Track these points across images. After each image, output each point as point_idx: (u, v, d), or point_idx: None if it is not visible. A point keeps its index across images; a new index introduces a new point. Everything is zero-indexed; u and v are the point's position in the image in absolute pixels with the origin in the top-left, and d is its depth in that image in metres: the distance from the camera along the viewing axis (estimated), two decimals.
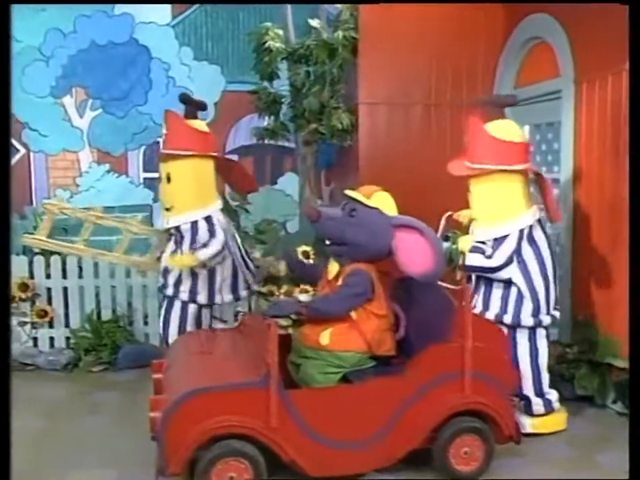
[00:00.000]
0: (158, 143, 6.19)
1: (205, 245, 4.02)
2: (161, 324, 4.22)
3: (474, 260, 3.72)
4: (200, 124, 4.15)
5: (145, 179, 6.24)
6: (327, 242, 3.43)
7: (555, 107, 4.60)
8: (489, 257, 3.70)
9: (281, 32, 5.28)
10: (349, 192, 3.45)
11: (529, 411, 3.69)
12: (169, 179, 4.06)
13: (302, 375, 3.25)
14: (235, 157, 6.44)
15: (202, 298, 4.15)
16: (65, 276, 5.08)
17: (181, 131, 4.05)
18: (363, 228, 3.24)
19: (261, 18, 6.07)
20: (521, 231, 3.68)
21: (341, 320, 3.26)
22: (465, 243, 3.79)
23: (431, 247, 3.13)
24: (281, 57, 5.26)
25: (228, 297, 4.28)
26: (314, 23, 5.18)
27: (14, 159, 5.86)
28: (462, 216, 4.11)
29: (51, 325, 5.07)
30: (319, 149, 5.57)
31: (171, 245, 4.19)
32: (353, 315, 3.25)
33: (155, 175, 6.22)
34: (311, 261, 5.18)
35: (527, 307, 3.68)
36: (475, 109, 3.93)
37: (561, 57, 4.45)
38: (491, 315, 3.72)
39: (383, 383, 3.06)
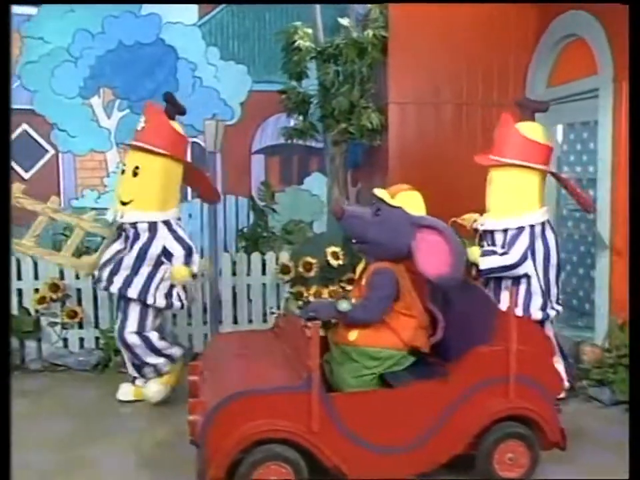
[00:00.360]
0: None
1: (189, 255, 4.04)
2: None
3: (490, 262, 3.90)
4: (178, 126, 4.12)
5: None
6: (353, 240, 3.42)
7: (591, 105, 4.53)
8: (503, 254, 3.89)
9: (310, 31, 5.24)
10: (376, 191, 3.42)
11: None
12: (135, 173, 3.98)
13: (335, 379, 3.22)
14: (261, 157, 6.46)
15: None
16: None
17: (162, 128, 4.01)
18: (385, 227, 3.21)
19: (287, 17, 6.04)
20: (533, 227, 3.89)
21: None
22: (474, 253, 3.93)
23: (450, 249, 3.07)
24: (310, 56, 5.22)
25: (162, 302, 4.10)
26: (344, 21, 5.14)
27: (43, 160, 5.88)
28: (466, 220, 4.26)
29: (80, 326, 5.07)
30: (348, 149, 5.52)
31: (120, 242, 4.12)
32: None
33: None
34: (340, 262, 5.16)
35: (537, 301, 3.91)
36: (508, 108, 4.12)
37: (599, 54, 4.37)
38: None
39: (425, 387, 3.00)
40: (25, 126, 5.82)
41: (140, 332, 4.06)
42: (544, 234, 3.92)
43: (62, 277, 5.00)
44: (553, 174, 4.07)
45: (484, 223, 4.07)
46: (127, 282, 3.99)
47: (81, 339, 5.08)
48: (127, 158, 4.15)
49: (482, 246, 4.10)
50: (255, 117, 6.30)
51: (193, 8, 6.12)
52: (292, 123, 5.76)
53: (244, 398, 2.78)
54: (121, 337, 4.07)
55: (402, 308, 3.18)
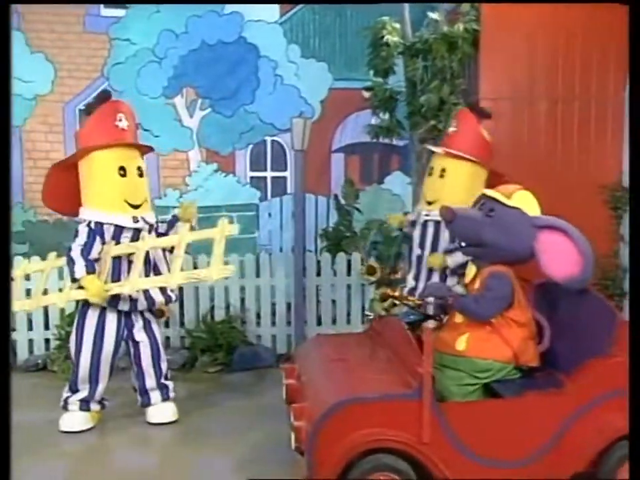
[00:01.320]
0: (265, 141, 6.18)
1: None
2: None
3: (459, 258, 3.89)
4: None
5: (251, 178, 6.21)
6: (463, 243, 3.28)
7: None
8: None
9: (398, 26, 5.10)
10: (487, 191, 3.27)
11: None
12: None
13: (437, 386, 3.09)
14: (340, 156, 6.37)
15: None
16: None
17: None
18: (502, 229, 3.07)
19: (370, 13, 5.92)
20: None
21: (479, 326, 3.10)
22: (435, 259, 4.00)
23: (578, 249, 2.94)
24: (397, 52, 5.08)
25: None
26: (434, 15, 4.98)
27: None
28: (392, 218, 4.42)
29: (166, 325, 5.09)
30: None
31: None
32: (493, 320, 3.08)
33: (263, 174, 6.26)
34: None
35: None
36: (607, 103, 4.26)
37: None
38: None
39: (540, 399, 2.84)
40: None
41: None
42: None
43: None
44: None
45: (429, 213, 4.03)
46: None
47: (167, 338, 5.11)
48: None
49: (408, 239, 4.21)
50: (335, 114, 6.21)
51: (275, 6, 6.08)
52: (373, 120, 5.64)
53: (353, 405, 2.69)
54: None
55: (515, 315, 3.04)
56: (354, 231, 5.62)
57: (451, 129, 4.10)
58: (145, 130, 5.94)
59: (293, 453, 2.86)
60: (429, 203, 4.06)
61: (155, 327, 3.96)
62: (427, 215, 4.06)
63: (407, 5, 5.22)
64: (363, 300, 5.21)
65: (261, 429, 3.82)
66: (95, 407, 3.86)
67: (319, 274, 5.21)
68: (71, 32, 5.76)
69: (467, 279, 3.35)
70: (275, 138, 6.18)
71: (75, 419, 3.78)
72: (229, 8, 5.96)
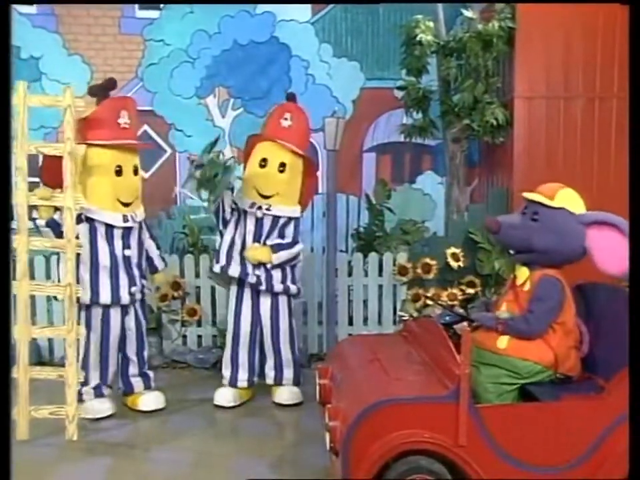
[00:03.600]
0: None
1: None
2: None
3: (284, 256, 4.09)
4: None
5: None
6: (512, 251, 3.25)
7: None
8: (294, 243, 4.16)
9: (431, 24, 5.07)
10: (528, 194, 3.21)
11: None
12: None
13: (472, 383, 3.05)
14: (372, 155, 6.34)
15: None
16: None
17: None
18: (551, 232, 3.02)
19: (402, 12, 5.90)
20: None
21: None
22: (262, 254, 4.04)
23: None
24: (431, 51, 5.04)
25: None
26: (468, 13, 4.93)
27: (161, 160, 6.02)
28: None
29: (199, 324, 5.13)
30: (468, 147, 5.31)
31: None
32: None
33: None
34: (460, 264, 4.96)
35: None
36: None
37: None
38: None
39: (580, 403, 2.79)
40: (145, 127, 5.97)
41: None
42: None
43: (182, 275, 5.07)
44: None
45: (269, 207, 4.06)
46: None
47: (199, 337, 5.14)
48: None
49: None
50: (367, 114, 6.20)
51: (307, 5, 6.09)
52: (404, 119, 5.61)
53: (390, 406, 2.66)
54: None
55: (561, 321, 2.99)
56: (386, 231, 5.59)
57: (286, 123, 4.07)
58: (178, 130, 6.02)
59: (327, 453, 2.86)
60: (265, 197, 4.05)
61: (141, 316, 4.09)
62: (267, 210, 4.05)
63: (440, 4, 5.17)
64: (394, 300, 5.17)
65: (293, 429, 3.82)
66: (107, 391, 4.00)
67: (350, 274, 5.19)
68: (107, 34, 5.85)
69: (518, 282, 3.27)
70: None
71: (95, 407, 3.91)
72: (261, 8, 5.99)
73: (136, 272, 3.97)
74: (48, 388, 3.68)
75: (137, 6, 5.86)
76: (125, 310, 3.97)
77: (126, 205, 3.84)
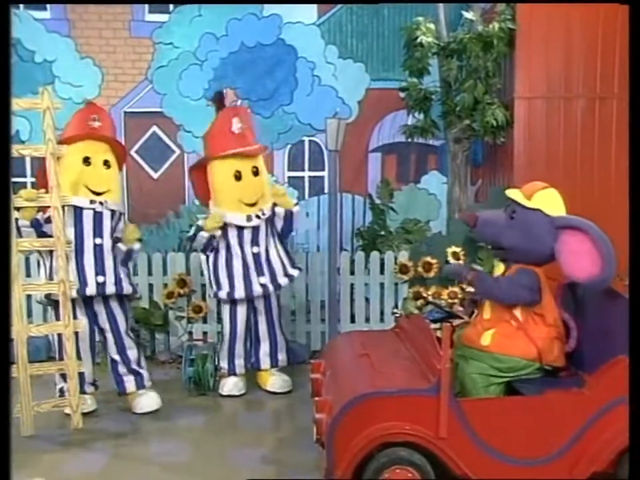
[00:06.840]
0: (302, 142, 6.28)
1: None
2: None
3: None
4: None
5: (289, 177, 6.32)
6: (489, 246, 3.32)
7: None
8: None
9: (432, 26, 5.13)
10: (509, 192, 3.27)
11: None
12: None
13: (460, 375, 3.12)
14: (377, 155, 6.41)
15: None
16: None
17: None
18: (522, 232, 3.09)
19: (406, 13, 5.95)
20: None
21: (506, 322, 3.13)
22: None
23: (598, 248, 2.92)
24: (432, 52, 5.11)
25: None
26: (468, 15, 4.98)
27: (170, 160, 6.15)
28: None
29: (204, 320, 5.25)
30: (470, 147, 5.36)
31: None
32: (519, 315, 3.11)
33: (301, 174, 6.36)
34: (461, 262, 5.02)
35: None
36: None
37: None
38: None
39: (561, 397, 2.85)
40: (154, 128, 6.10)
41: None
42: None
43: (188, 272, 5.20)
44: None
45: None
46: None
47: (204, 333, 5.26)
48: None
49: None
50: (372, 115, 6.24)
51: (313, 7, 6.17)
52: (409, 120, 5.67)
53: (372, 399, 2.76)
54: None
55: (541, 314, 3.05)
56: (388, 230, 5.66)
57: (239, 127, 4.32)
58: (187, 131, 6.14)
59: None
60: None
61: (118, 315, 4.12)
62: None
63: (441, 5, 5.23)
64: (396, 298, 5.24)
65: (290, 423, 3.92)
66: (89, 389, 4.10)
67: (352, 272, 5.27)
68: (118, 37, 5.98)
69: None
70: (312, 138, 6.26)
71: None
72: (268, 11, 6.09)
73: (108, 262, 3.99)
74: (47, 384, 3.88)
75: (146, 10, 5.98)
76: (91, 305, 4.00)
77: (97, 193, 4.03)
